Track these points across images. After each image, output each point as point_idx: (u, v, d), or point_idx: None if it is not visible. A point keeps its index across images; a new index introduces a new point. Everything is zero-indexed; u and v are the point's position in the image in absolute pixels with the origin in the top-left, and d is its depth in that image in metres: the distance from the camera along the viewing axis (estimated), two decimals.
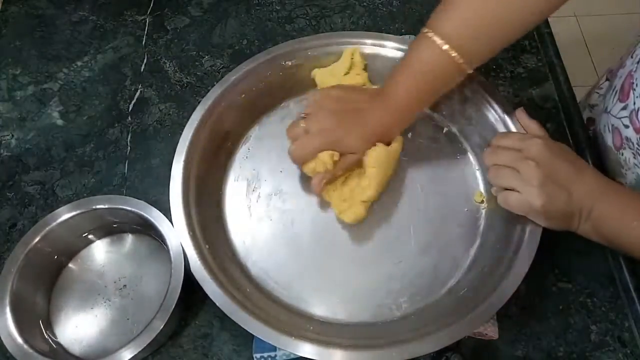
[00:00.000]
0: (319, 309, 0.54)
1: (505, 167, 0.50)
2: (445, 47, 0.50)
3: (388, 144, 0.56)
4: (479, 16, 0.50)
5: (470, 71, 0.53)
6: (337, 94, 0.57)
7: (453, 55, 0.50)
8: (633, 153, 0.54)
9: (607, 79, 0.71)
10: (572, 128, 0.66)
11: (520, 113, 0.56)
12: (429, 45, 0.51)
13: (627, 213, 0.48)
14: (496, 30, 0.51)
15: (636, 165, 0.54)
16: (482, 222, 0.58)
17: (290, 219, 0.59)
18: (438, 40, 0.50)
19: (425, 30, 0.52)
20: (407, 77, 0.54)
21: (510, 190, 0.50)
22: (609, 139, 0.58)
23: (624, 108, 0.54)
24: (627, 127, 0.54)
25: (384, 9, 0.78)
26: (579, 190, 0.48)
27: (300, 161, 0.56)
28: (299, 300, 0.55)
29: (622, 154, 0.56)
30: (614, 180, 0.60)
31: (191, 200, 0.56)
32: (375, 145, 0.55)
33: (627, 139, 0.54)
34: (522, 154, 0.49)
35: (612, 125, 0.57)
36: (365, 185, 0.56)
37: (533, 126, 0.54)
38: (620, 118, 0.55)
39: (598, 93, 0.72)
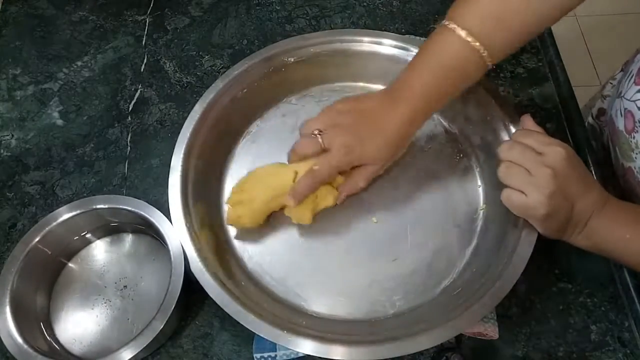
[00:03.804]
0: (313, 304, 0.54)
1: (519, 167, 0.48)
2: (469, 38, 0.49)
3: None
4: (500, 8, 0.49)
5: (491, 65, 0.51)
6: (346, 107, 0.55)
7: (476, 46, 0.49)
8: None
9: (621, 70, 0.71)
10: (572, 128, 0.66)
11: (526, 119, 0.54)
12: (449, 38, 0.50)
13: (621, 224, 0.48)
14: (517, 23, 0.50)
15: None
16: (479, 223, 0.58)
17: (287, 214, 0.59)
18: (460, 31, 0.49)
19: (446, 22, 0.51)
20: (424, 72, 0.52)
21: (515, 189, 0.49)
22: (620, 124, 0.58)
23: (639, 91, 0.55)
24: None
25: (384, 9, 0.78)
26: (581, 205, 0.48)
27: (318, 182, 0.53)
28: (294, 295, 0.55)
29: (634, 137, 0.56)
30: (623, 168, 0.60)
31: (190, 191, 0.56)
32: (394, 151, 0.54)
33: None
34: (541, 158, 0.47)
35: (625, 109, 0.57)
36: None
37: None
38: (634, 101, 0.55)
39: (612, 84, 0.72)
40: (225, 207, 0.60)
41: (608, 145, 0.64)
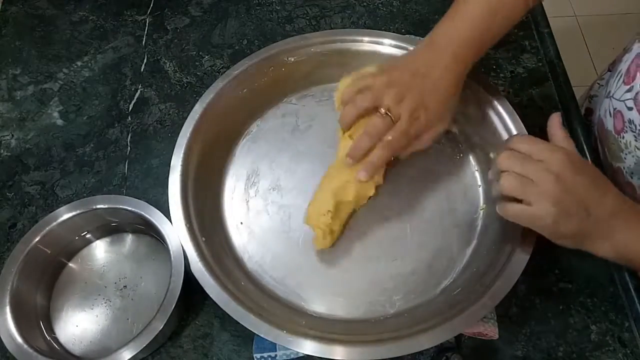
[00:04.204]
0: (313, 304, 0.54)
1: (521, 177, 0.46)
2: None
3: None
4: None
5: (535, 4, 0.51)
6: (396, 73, 0.53)
7: None
8: (635, 135, 0.54)
9: (608, 70, 0.71)
10: (572, 128, 0.66)
11: (554, 119, 0.50)
12: None
13: None
14: None
15: (637, 148, 0.54)
16: (479, 223, 0.58)
17: (287, 214, 0.59)
18: None
19: None
20: (467, 16, 0.51)
21: (515, 200, 0.47)
22: (609, 124, 0.58)
23: (629, 90, 0.55)
24: (630, 109, 0.54)
25: (384, 9, 0.78)
26: (599, 212, 0.45)
27: (393, 153, 0.53)
28: (294, 295, 0.55)
29: (623, 137, 0.56)
30: (612, 168, 0.60)
31: (190, 191, 0.56)
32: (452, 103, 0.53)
33: (630, 121, 0.54)
34: (542, 165, 0.45)
35: (614, 108, 0.57)
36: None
37: (559, 134, 0.49)
38: (623, 101, 0.55)
39: (599, 84, 0.73)
40: (227, 207, 0.60)
41: (596, 145, 0.64)
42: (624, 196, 0.47)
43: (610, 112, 0.58)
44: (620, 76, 0.57)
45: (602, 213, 0.45)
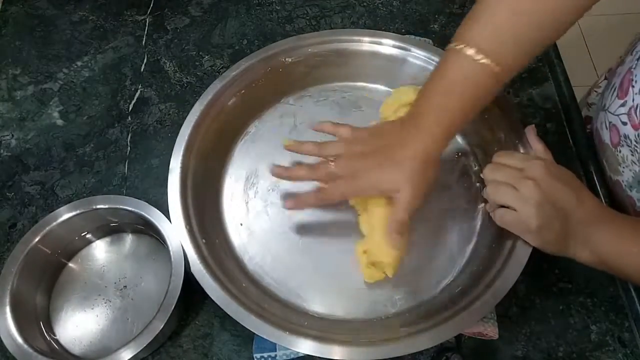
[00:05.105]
0: (314, 304, 0.54)
1: (504, 184, 0.50)
2: (479, 57, 0.48)
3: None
4: (512, 20, 0.48)
5: (508, 80, 0.50)
6: (363, 135, 0.54)
7: (488, 64, 0.48)
8: (631, 150, 0.54)
9: (605, 78, 0.71)
10: (572, 128, 0.66)
11: (530, 131, 0.55)
12: (461, 59, 0.49)
13: (627, 239, 0.47)
14: (532, 32, 0.49)
15: (634, 162, 0.54)
16: (479, 221, 0.58)
17: (287, 215, 0.59)
18: (470, 51, 0.48)
19: (454, 44, 0.50)
20: (441, 98, 0.50)
21: (506, 208, 0.50)
22: (606, 137, 0.58)
23: (623, 105, 0.55)
24: (625, 124, 0.54)
25: (384, 9, 0.78)
26: (577, 216, 0.48)
27: (322, 203, 0.54)
28: (295, 296, 0.55)
29: (620, 151, 0.56)
30: (612, 180, 0.60)
31: (189, 192, 0.56)
32: (418, 180, 0.50)
33: (625, 136, 0.54)
34: (523, 173, 0.49)
35: (610, 122, 0.57)
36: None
37: (539, 147, 0.54)
38: (618, 115, 0.55)
39: (596, 92, 0.73)
40: (226, 208, 0.60)
41: (597, 154, 0.64)
42: (602, 203, 0.50)
43: (606, 125, 0.58)
44: (614, 89, 0.57)
45: (581, 217, 0.48)
